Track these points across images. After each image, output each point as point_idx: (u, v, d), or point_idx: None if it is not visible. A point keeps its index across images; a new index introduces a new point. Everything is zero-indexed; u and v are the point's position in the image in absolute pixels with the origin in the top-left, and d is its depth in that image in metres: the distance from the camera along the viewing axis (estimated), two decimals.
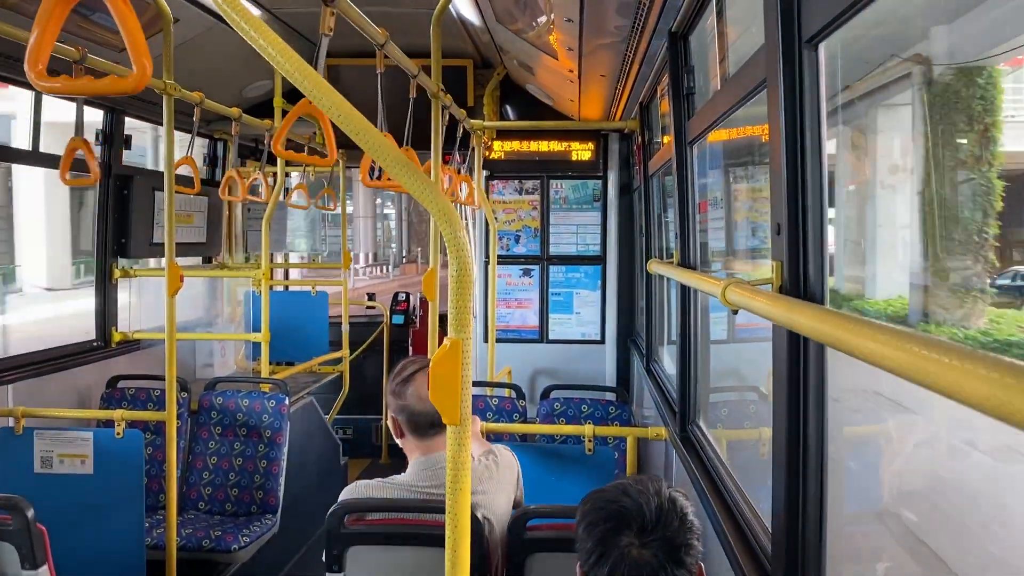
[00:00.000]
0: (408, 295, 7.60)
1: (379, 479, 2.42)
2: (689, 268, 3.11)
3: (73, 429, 3.65)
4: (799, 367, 1.57)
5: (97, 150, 4.77)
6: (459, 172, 4.54)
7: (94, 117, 4.66)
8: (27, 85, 4.06)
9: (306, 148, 5.81)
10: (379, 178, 3.43)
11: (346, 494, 2.38)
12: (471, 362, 1.32)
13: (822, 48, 1.53)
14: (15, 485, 3.31)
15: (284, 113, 5.10)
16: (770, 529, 1.84)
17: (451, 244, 1.28)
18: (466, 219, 6.39)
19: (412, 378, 2.35)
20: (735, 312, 1.60)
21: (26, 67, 1.15)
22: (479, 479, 2.36)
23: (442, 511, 2.28)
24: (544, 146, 6.18)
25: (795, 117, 1.58)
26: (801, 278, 1.55)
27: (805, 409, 1.58)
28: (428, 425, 2.34)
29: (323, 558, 2.40)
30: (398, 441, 2.42)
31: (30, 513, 2.48)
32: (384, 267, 32.60)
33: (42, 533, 2.53)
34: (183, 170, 4.14)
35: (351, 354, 6.47)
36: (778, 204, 1.62)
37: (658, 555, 1.51)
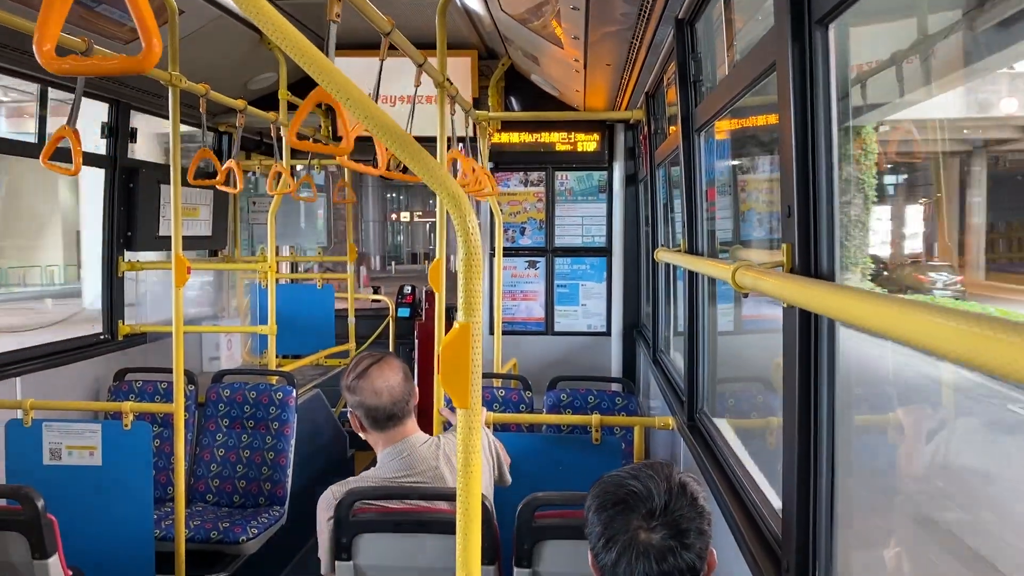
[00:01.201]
0: (413, 288, 7.60)
1: (352, 478, 2.43)
2: (697, 256, 3.10)
3: (81, 421, 3.66)
4: (810, 348, 1.57)
5: (103, 143, 4.79)
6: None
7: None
8: (32, 77, 4.08)
9: (311, 139, 5.81)
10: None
11: (323, 503, 2.38)
12: (480, 346, 1.31)
13: (832, 28, 1.51)
14: (24, 476, 3.33)
15: (290, 105, 5.10)
16: (780, 513, 1.83)
17: (460, 229, 1.27)
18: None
19: (366, 373, 2.36)
20: (745, 295, 1.59)
21: (35, 47, 1.15)
22: (448, 457, 2.40)
23: (446, 498, 2.30)
24: (549, 137, 6.16)
25: (805, 99, 1.57)
26: (812, 260, 1.54)
27: (817, 392, 1.57)
28: (386, 418, 2.35)
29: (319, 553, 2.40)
30: (361, 435, 2.43)
31: (40, 503, 2.49)
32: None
33: (52, 523, 2.53)
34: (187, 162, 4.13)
35: (357, 347, 6.48)
36: (788, 186, 1.61)
37: (666, 538, 1.50)
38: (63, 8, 1.12)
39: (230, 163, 4.44)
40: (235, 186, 4.75)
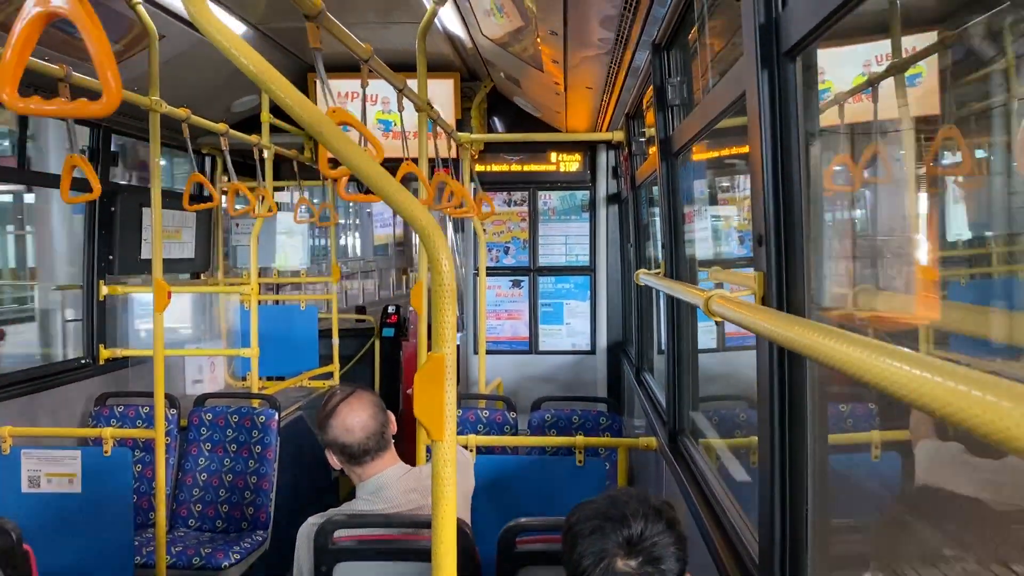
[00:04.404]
0: (398, 307, 7.58)
1: (332, 509, 2.42)
2: (676, 278, 3.11)
3: (61, 448, 3.62)
4: (782, 376, 1.58)
5: None
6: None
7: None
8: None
9: (295, 163, 5.81)
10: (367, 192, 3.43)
11: (303, 536, 2.36)
12: (454, 377, 1.32)
13: (799, 60, 1.54)
14: (1, 505, 3.29)
15: (272, 128, 5.10)
16: (756, 538, 1.84)
17: (432, 259, 1.28)
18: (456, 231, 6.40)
19: (336, 411, 2.36)
20: (718, 323, 1.60)
21: None
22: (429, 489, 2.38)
23: (425, 525, 2.29)
24: (532, 162, 6.18)
25: (775, 128, 1.59)
26: (784, 289, 1.56)
27: (792, 419, 1.58)
28: (361, 453, 2.36)
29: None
30: (344, 469, 2.43)
31: (15, 533, 2.46)
32: None
33: (27, 553, 2.50)
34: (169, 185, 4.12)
35: (342, 368, 6.45)
36: (759, 215, 1.63)
37: (644, 564, 1.50)
38: (24, 53, 1.13)
39: (235, 184, 4.44)
40: (250, 205, 4.76)
